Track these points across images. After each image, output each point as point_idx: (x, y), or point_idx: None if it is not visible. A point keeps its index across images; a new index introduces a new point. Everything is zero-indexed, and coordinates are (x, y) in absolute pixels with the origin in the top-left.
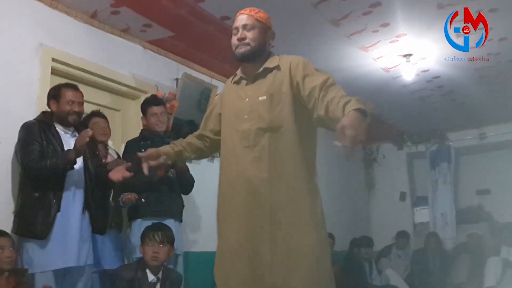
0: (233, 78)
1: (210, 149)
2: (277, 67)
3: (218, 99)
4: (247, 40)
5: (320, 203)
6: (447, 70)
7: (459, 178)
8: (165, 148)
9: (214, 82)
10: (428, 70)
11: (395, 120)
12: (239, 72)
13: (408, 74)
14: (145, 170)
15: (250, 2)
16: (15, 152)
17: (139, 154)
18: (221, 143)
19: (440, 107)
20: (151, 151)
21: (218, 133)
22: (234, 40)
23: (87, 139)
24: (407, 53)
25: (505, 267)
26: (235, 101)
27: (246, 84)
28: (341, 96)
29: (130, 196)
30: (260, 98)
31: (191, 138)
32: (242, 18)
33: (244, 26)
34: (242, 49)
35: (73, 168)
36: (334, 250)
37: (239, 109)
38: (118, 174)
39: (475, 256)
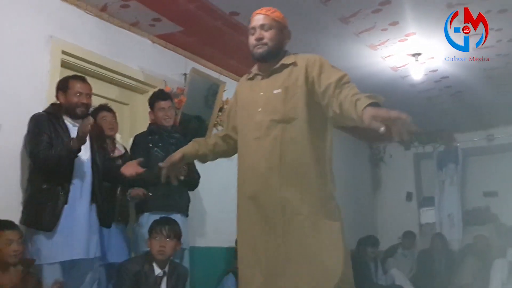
0: (248, 76)
1: (234, 150)
2: (294, 64)
3: (234, 97)
4: (265, 40)
5: (333, 194)
6: (456, 70)
7: (466, 179)
8: (189, 150)
9: (222, 78)
10: (436, 70)
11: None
12: (254, 70)
13: (417, 73)
14: (163, 179)
15: None
16: (25, 143)
17: (160, 165)
18: (239, 137)
19: (448, 107)
20: (174, 158)
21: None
22: (252, 40)
23: (89, 126)
24: (416, 53)
25: (511, 269)
26: (250, 95)
27: (262, 79)
28: (353, 94)
29: (138, 191)
30: (275, 91)
31: (216, 139)
32: (259, 18)
33: (262, 26)
34: (260, 49)
35: (77, 156)
36: None
37: (253, 102)
38: (131, 169)
39: (481, 258)
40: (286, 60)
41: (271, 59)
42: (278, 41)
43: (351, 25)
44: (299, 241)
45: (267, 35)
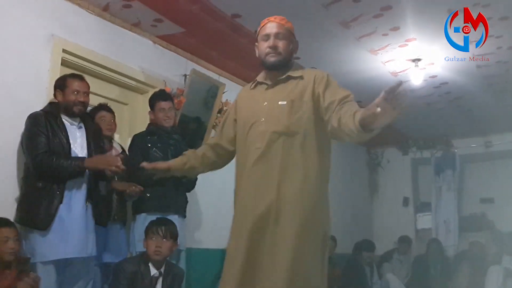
0: (250, 86)
1: (224, 161)
2: (301, 77)
3: (233, 106)
4: (279, 49)
5: (328, 212)
6: (455, 76)
7: (464, 185)
8: (176, 164)
9: (222, 79)
10: (436, 76)
11: (401, 125)
12: (260, 78)
13: (416, 79)
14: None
15: (262, 1)
16: (21, 142)
17: (143, 165)
18: (236, 146)
19: (447, 113)
20: (159, 166)
21: (233, 141)
22: (265, 47)
23: (114, 169)
24: (416, 58)
25: (506, 276)
26: (252, 104)
27: (267, 88)
28: (352, 110)
29: (134, 188)
30: (280, 103)
31: (205, 150)
32: (273, 26)
33: (277, 35)
34: (273, 58)
35: (82, 176)
36: (336, 252)
37: (256, 111)
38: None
39: (476, 264)
40: (293, 72)
41: (282, 69)
42: (290, 51)
43: (352, 30)
44: (286, 251)
45: (281, 44)
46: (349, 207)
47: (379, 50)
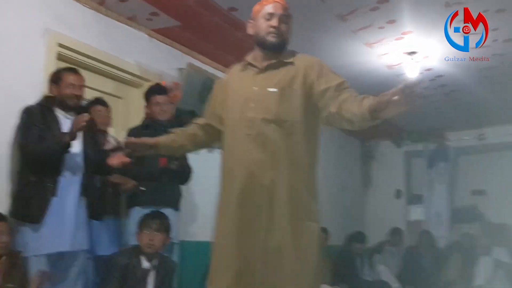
0: (240, 67)
1: (211, 140)
2: (291, 63)
3: (223, 84)
4: (282, 31)
5: (318, 200)
6: (451, 69)
7: (456, 178)
8: (165, 140)
9: (219, 73)
10: (431, 69)
11: (395, 117)
12: (250, 59)
13: (412, 72)
14: (118, 160)
15: None
16: (15, 135)
17: (129, 140)
18: (225, 130)
19: (442, 106)
20: (146, 140)
21: (223, 122)
22: (266, 25)
23: (84, 123)
24: (412, 51)
25: (496, 267)
26: (242, 88)
27: (257, 73)
28: (355, 95)
29: (129, 183)
30: (270, 89)
31: (195, 129)
32: (279, 7)
33: (281, 17)
34: (275, 39)
35: (68, 151)
36: (328, 244)
37: (245, 96)
38: (117, 159)
39: (467, 255)
40: (284, 57)
41: (279, 52)
42: (288, 36)
43: (348, 23)
44: (281, 240)
45: (284, 27)
46: (341, 199)
47: (375, 43)
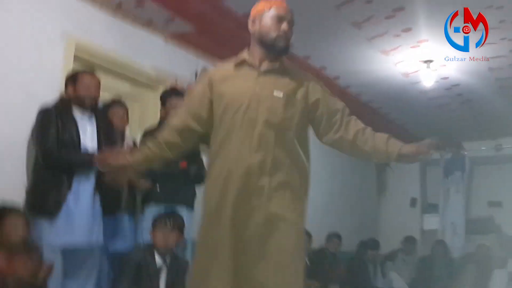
0: (233, 64)
1: (189, 145)
2: (295, 73)
3: (206, 84)
4: (289, 37)
5: (306, 207)
6: (467, 78)
7: (472, 188)
8: (136, 159)
9: None
10: (447, 78)
11: (411, 126)
12: (247, 57)
13: (428, 80)
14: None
15: None
16: (32, 133)
17: (102, 156)
18: (218, 130)
19: (458, 115)
20: (113, 161)
21: (205, 123)
22: (275, 27)
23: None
24: (428, 59)
25: (511, 280)
26: (240, 87)
27: (259, 74)
28: (371, 130)
29: (144, 183)
30: (275, 94)
31: (168, 135)
32: (288, 11)
33: (289, 22)
34: (284, 43)
35: (91, 170)
36: (341, 250)
37: (245, 95)
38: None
39: (481, 267)
40: (288, 66)
41: (283, 56)
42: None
43: (364, 30)
44: (277, 244)
45: (290, 32)
46: (356, 206)
47: (390, 51)
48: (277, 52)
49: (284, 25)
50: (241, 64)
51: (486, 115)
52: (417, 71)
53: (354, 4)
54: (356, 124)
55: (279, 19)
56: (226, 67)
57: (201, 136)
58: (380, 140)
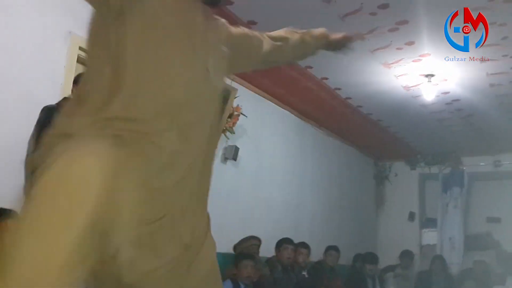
0: None
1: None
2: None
3: None
4: None
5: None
6: (468, 94)
7: (471, 203)
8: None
9: (234, 85)
10: (448, 92)
11: (410, 139)
12: None
13: (428, 94)
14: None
15: (278, 7)
16: (32, 133)
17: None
18: (147, 49)
19: (457, 130)
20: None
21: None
22: None
23: None
24: (429, 73)
25: None
26: (190, 25)
27: (204, 19)
28: (285, 32)
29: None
30: (223, 48)
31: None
32: None
33: None
34: None
35: None
36: (339, 263)
37: (196, 37)
38: None
39: (480, 284)
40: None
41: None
42: None
43: (367, 42)
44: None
45: None
46: (354, 219)
47: (392, 63)
48: (213, 3)
49: None
50: None
51: (485, 130)
52: (418, 84)
53: (358, 15)
54: (267, 34)
55: None
56: None
57: None
58: (304, 33)
